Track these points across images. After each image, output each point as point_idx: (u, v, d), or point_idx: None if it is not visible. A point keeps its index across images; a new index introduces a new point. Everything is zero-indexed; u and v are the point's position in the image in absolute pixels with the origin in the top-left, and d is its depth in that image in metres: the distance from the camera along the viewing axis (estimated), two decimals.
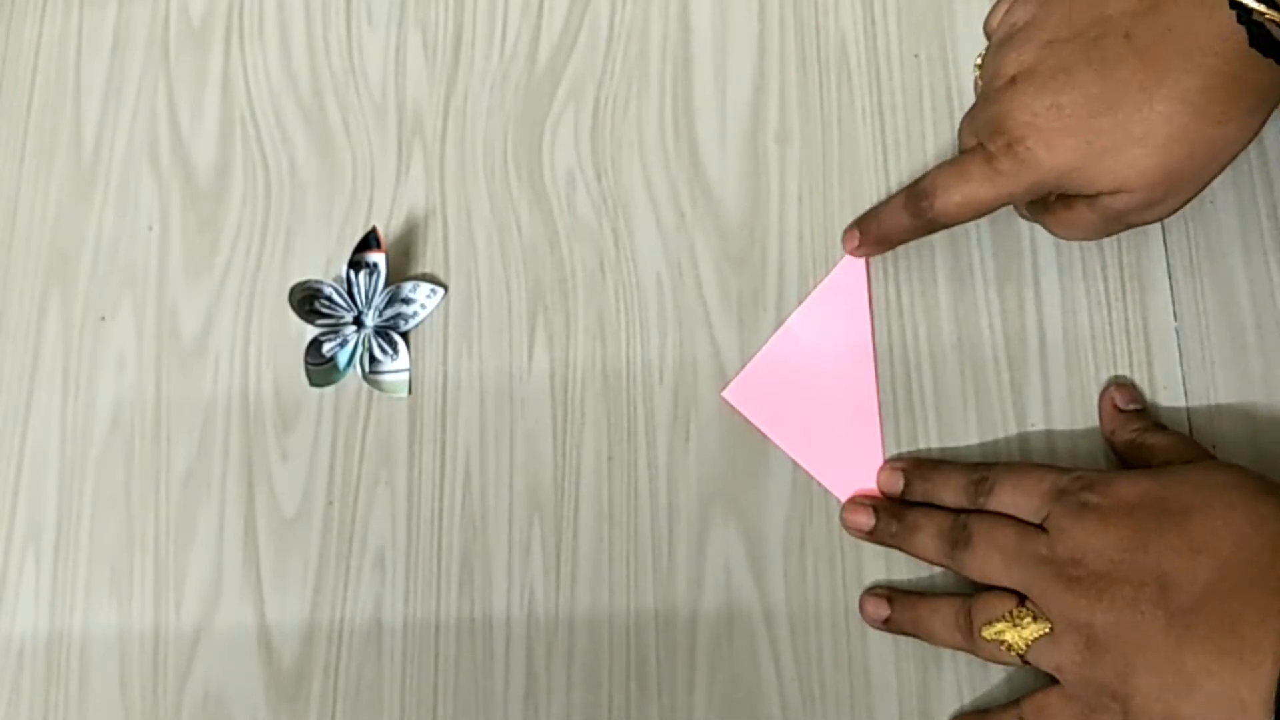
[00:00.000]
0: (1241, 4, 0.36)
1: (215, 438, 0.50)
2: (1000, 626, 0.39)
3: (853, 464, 0.46)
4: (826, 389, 0.46)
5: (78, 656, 0.49)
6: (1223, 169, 0.39)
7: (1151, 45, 0.38)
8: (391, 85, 0.54)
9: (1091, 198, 0.40)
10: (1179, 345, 0.45)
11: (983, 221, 0.47)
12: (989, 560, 0.40)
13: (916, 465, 0.45)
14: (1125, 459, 0.43)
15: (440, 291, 0.50)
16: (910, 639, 0.44)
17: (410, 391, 0.50)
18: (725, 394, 0.47)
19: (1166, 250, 0.46)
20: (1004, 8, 0.44)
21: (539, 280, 0.50)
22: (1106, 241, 0.46)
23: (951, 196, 0.41)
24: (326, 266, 0.52)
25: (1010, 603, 0.39)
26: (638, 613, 0.46)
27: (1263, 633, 0.34)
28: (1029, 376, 0.46)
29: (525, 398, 0.49)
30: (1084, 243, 0.47)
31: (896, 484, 0.45)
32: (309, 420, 0.50)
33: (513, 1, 0.54)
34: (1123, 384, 0.45)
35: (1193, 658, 0.35)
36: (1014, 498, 0.41)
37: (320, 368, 0.49)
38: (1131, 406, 0.44)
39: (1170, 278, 0.46)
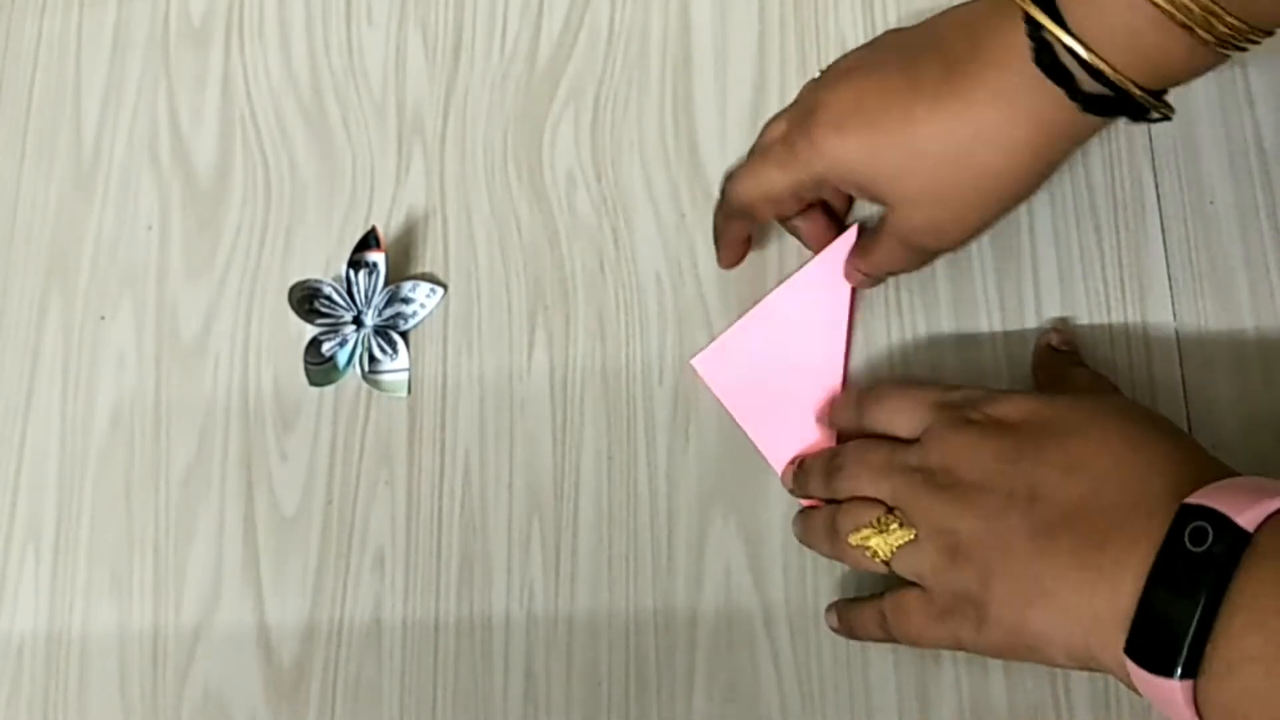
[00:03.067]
0: (1032, 18, 0.35)
1: (215, 437, 0.50)
2: (866, 533, 0.40)
3: (806, 450, 0.46)
4: (794, 373, 0.47)
5: (78, 656, 0.49)
6: (999, 210, 0.39)
7: (956, 53, 0.38)
8: (391, 85, 0.54)
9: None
10: (1179, 345, 0.45)
11: None
12: (858, 478, 0.41)
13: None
14: (1044, 390, 0.44)
15: (440, 291, 0.50)
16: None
17: (410, 391, 0.50)
18: (693, 362, 0.47)
19: (1166, 250, 0.46)
20: None
21: (539, 280, 0.50)
22: (1106, 241, 0.46)
23: (745, 181, 0.42)
24: (326, 266, 0.52)
25: (877, 511, 0.40)
26: (637, 612, 0.46)
27: (1130, 553, 0.34)
28: (1029, 376, 0.46)
29: (525, 398, 0.49)
30: (1084, 243, 0.47)
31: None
32: (309, 420, 0.50)
33: (513, 1, 0.54)
34: (1061, 327, 0.45)
35: (1052, 569, 0.35)
36: (897, 406, 0.42)
37: (320, 367, 0.49)
38: (1064, 348, 0.45)
39: (1170, 278, 0.46)
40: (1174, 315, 0.46)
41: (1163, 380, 0.45)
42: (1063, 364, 0.44)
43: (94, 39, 0.57)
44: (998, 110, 0.36)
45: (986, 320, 0.47)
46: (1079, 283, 0.46)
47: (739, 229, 0.46)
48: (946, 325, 0.47)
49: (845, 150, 0.39)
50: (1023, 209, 0.47)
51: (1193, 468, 0.36)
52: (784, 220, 0.46)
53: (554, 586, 0.47)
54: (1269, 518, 0.32)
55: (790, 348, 0.47)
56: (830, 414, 0.45)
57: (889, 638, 0.41)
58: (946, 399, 0.41)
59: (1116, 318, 0.46)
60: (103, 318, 0.53)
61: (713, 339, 0.48)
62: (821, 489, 0.43)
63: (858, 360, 0.47)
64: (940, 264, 0.47)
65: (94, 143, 0.55)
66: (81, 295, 0.53)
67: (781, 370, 0.47)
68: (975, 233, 0.40)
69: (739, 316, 0.48)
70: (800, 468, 0.45)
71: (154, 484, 0.50)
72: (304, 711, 0.47)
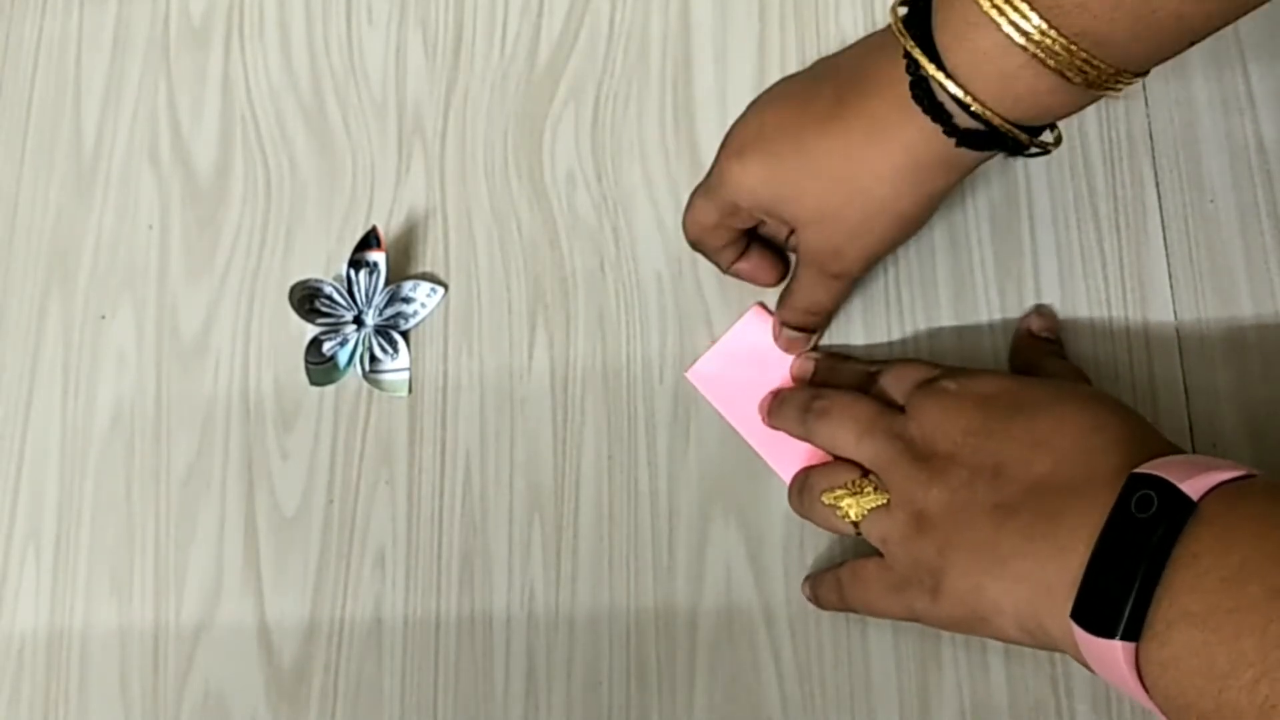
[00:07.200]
0: (910, 55, 0.36)
1: (215, 437, 0.50)
2: (840, 493, 0.41)
3: (806, 453, 0.45)
4: (787, 377, 0.47)
5: (78, 656, 0.49)
6: (894, 234, 0.40)
7: (846, 83, 0.39)
8: (391, 85, 0.54)
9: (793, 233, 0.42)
10: (1179, 345, 0.45)
11: (983, 221, 0.48)
12: (842, 430, 0.42)
13: (826, 357, 0.46)
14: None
15: (440, 290, 0.50)
16: (913, 642, 0.44)
17: (410, 391, 0.50)
18: (688, 374, 0.48)
19: (1166, 250, 0.46)
20: None
21: (539, 279, 0.50)
22: (1107, 241, 0.47)
23: (686, 215, 0.45)
24: (326, 265, 0.52)
25: (853, 473, 0.41)
26: (638, 612, 0.46)
27: (1082, 525, 0.35)
28: None
29: (525, 397, 0.49)
30: (1084, 242, 0.47)
31: (808, 370, 0.46)
32: (309, 419, 0.50)
33: (513, 1, 0.54)
34: (1044, 312, 0.46)
35: (1009, 541, 0.36)
36: (890, 384, 0.43)
37: (320, 367, 0.49)
38: (1044, 334, 0.45)
39: (1170, 278, 0.46)
40: (1174, 314, 0.46)
41: (1163, 379, 0.45)
42: (1040, 354, 0.45)
43: (94, 39, 0.57)
44: (874, 140, 0.38)
45: (987, 319, 0.47)
46: (1079, 281, 0.46)
47: (711, 251, 0.46)
48: (947, 323, 0.47)
49: (746, 175, 0.41)
50: (1023, 208, 0.47)
51: (1149, 448, 0.36)
52: (730, 265, 0.46)
53: (554, 586, 0.47)
54: (1214, 488, 0.33)
55: (781, 353, 0.47)
56: (835, 379, 0.45)
57: (845, 606, 0.42)
58: (931, 374, 0.42)
59: (1117, 316, 0.46)
60: (103, 317, 0.53)
61: (713, 339, 0.48)
62: (797, 425, 0.44)
63: None
64: (941, 262, 0.47)
65: (94, 143, 0.55)
66: (81, 295, 0.53)
67: (776, 375, 0.47)
68: (873, 255, 0.42)
69: (739, 315, 0.48)
70: (777, 399, 0.45)
71: (154, 484, 0.50)
72: (304, 711, 0.47)
